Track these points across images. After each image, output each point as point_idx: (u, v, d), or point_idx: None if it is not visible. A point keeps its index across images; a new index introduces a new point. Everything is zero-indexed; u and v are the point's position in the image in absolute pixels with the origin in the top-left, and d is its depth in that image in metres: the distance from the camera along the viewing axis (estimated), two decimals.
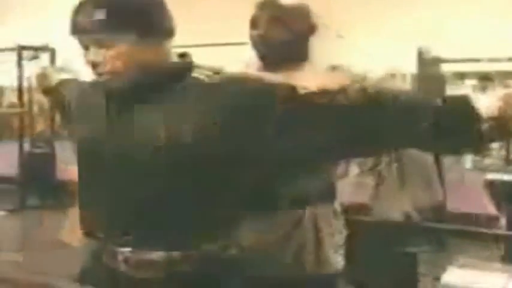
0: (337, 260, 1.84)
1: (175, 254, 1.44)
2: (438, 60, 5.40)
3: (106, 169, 1.48)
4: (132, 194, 1.44)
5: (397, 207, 3.62)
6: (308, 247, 1.79)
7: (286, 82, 1.43)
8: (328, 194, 1.86)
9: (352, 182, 3.76)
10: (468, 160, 6.05)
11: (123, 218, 1.46)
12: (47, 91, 2.12)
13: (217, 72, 1.47)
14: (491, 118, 1.34)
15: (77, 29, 1.44)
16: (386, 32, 6.27)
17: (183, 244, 1.44)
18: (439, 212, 4.75)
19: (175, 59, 1.50)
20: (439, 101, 1.34)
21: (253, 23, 1.84)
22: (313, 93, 1.39)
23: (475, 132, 1.35)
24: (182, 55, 1.52)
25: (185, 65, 1.49)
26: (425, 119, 1.32)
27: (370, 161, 3.72)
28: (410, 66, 5.47)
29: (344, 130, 1.36)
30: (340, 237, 1.88)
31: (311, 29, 1.86)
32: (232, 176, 1.44)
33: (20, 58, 6.70)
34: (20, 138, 6.84)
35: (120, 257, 1.47)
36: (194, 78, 1.46)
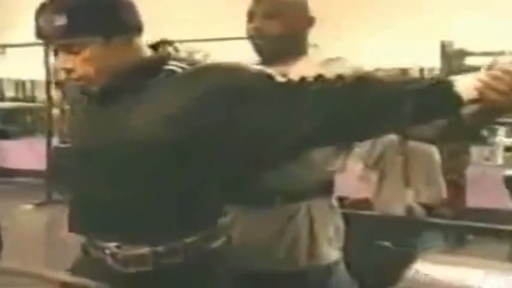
0: (331, 253, 1.84)
1: (160, 248, 1.45)
2: (462, 53, 5.31)
3: (90, 168, 1.49)
4: (115, 192, 1.44)
5: (400, 201, 3.59)
6: (302, 240, 1.79)
7: (263, 69, 1.42)
8: (325, 188, 1.86)
9: (356, 177, 3.75)
10: (499, 157, 5.97)
11: (107, 215, 1.46)
12: (58, 84, 2.16)
13: (193, 62, 1.46)
14: (472, 101, 1.32)
15: (40, 35, 1.42)
16: (406, 26, 6.21)
17: (166, 238, 1.45)
18: (456, 208, 4.71)
19: (148, 52, 1.48)
20: (418, 85, 1.32)
21: (250, 17, 1.84)
22: (292, 80, 1.38)
23: (457, 116, 1.35)
24: (157, 45, 1.50)
25: (157, 59, 1.47)
26: (405, 102, 1.30)
27: (374, 156, 3.69)
28: (433, 61, 5.41)
29: (323, 113, 1.35)
30: (335, 230, 1.87)
31: (308, 22, 1.85)
32: (215, 168, 1.43)
33: (46, 53, 6.79)
34: (48, 133, 6.95)
35: (107, 252, 1.48)
36: (169, 71, 1.44)
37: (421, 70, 6.26)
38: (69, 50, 1.41)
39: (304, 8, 1.85)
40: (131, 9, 1.45)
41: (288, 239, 1.79)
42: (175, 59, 1.47)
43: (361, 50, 5.88)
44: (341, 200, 5.16)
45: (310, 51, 1.89)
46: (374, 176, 3.69)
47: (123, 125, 1.43)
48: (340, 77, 1.37)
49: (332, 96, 1.36)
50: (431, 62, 5.62)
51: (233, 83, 1.39)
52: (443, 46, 5.20)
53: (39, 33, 1.42)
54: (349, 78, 1.36)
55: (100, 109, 1.47)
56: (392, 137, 3.21)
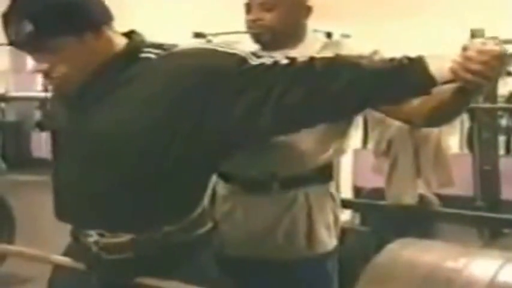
0: (329, 241, 1.84)
1: (140, 236, 1.45)
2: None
3: (69, 158, 1.49)
4: (94, 182, 1.44)
5: (412, 191, 3.57)
6: (300, 228, 1.80)
7: (236, 52, 1.39)
8: (323, 175, 1.85)
9: (365, 167, 3.74)
10: None
11: (88, 204, 1.47)
12: None
13: (168, 47, 1.43)
14: (446, 81, 1.33)
15: (12, 43, 1.40)
16: (438, 13, 6.17)
17: (146, 227, 1.46)
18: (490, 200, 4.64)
19: (123, 41, 1.45)
20: (392, 65, 1.33)
21: (248, 9, 1.85)
22: (264, 64, 1.36)
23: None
24: (130, 33, 1.48)
25: (132, 49, 1.44)
26: (377, 82, 1.32)
27: (383, 143, 3.68)
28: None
29: (293, 95, 1.34)
30: (334, 218, 1.87)
31: (305, 11, 1.86)
32: (192, 156, 1.41)
33: None
34: None
35: (90, 240, 1.49)
36: (145, 58, 1.42)
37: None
38: (43, 53, 1.39)
39: None
40: (96, 2, 1.43)
41: (286, 227, 1.80)
42: (150, 46, 1.44)
43: (390, 39, 5.87)
44: (358, 190, 5.15)
45: (311, 36, 1.90)
46: (386, 166, 3.66)
47: (101, 117, 1.42)
48: (312, 59, 1.36)
49: (303, 77, 1.35)
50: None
51: (204, 68, 1.37)
52: (474, 34, 5.16)
53: (10, 41, 1.40)
54: (322, 60, 1.36)
55: (80, 101, 1.46)
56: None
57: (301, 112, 1.38)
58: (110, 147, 1.42)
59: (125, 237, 1.46)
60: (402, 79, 1.33)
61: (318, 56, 1.38)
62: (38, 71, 1.42)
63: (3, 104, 8.49)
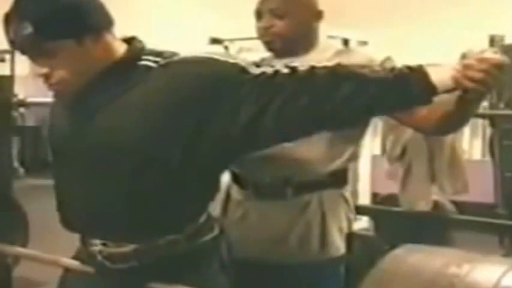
0: (342, 245, 1.84)
1: (142, 246, 1.46)
2: None
3: (70, 168, 1.48)
4: (95, 192, 1.44)
5: (426, 197, 3.54)
6: (314, 232, 1.80)
7: (237, 61, 1.39)
8: (337, 179, 1.85)
9: (381, 172, 3.72)
10: None
11: (90, 215, 1.47)
12: None
13: (167, 56, 1.42)
14: (447, 90, 1.33)
15: (12, 46, 1.40)
16: (455, 20, 6.14)
17: (149, 236, 1.46)
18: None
19: (122, 47, 1.45)
20: (393, 75, 1.33)
21: (258, 16, 1.85)
22: (265, 73, 1.36)
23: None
24: (130, 39, 1.47)
25: (131, 56, 1.43)
26: (379, 91, 1.32)
27: (397, 148, 3.65)
28: None
29: (293, 105, 1.33)
30: (347, 222, 1.86)
31: (316, 17, 1.86)
32: (193, 165, 1.40)
33: None
34: None
35: (95, 248, 1.50)
36: (143, 66, 1.41)
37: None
38: (43, 56, 1.38)
39: (311, 3, 1.86)
40: (97, 7, 1.42)
41: (300, 231, 1.80)
42: (149, 53, 1.44)
43: (407, 44, 5.85)
44: (376, 196, 5.09)
45: (324, 42, 1.90)
46: (401, 172, 3.64)
47: (101, 127, 1.41)
48: (313, 68, 1.36)
49: (304, 87, 1.34)
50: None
51: (205, 77, 1.37)
52: (493, 40, 5.12)
53: (11, 43, 1.40)
54: (323, 69, 1.36)
55: (79, 109, 1.45)
56: None
57: (303, 121, 1.37)
58: (110, 157, 1.41)
59: (128, 247, 1.47)
60: (403, 88, 1.33)
61: (318, 65, 1.38)
62: (38, 75, 1.41)
63: (22, 109, 8.58)
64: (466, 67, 1.30)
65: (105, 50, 1.41)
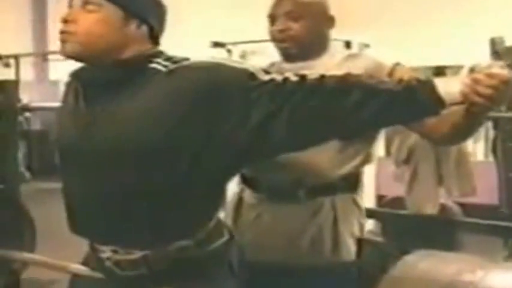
0: (354, 249, 1.84)
1: (152, 253, 1.45)
2: None
3: (80, 174, 1.47)
4: (104, 198, 1.43)
5: (433, 200, 3.54)
6: (325, 236, 1.80)
7: (246, 67, 1.39)
8: (349, 183, 1.85)
9: (388, 175, 3.70)
10: None
11: (99, 221, 1.47)
12: None
13: (177, 60, 1.43)
14: (455, 103, 1.34)
15: None
16: (457, 20, 6.14)
17: (159, 242, 1.45)
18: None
19: (147, 47, 1.46)
20: (401, 87, 1.33)
21: (272, 20, 1.86)
22: (274, 79, 1.37)
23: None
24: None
25: (145, 56, 1.44)
26: (386, 103, 1.33)
27: (404, 151, 3.65)
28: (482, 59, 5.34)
29: (301, 114, 1.34)
30: (359, 227, 1.87)
31: (328, 22, 1.88)
32: (206, 170, 1.40)
33: None
34: None
35: (104, 255, 1.50)
36: (152, 69, 1.42)
37: (472, 70, 6.17)
38: (85, 5, 1.40)
39: (324, 8, 1.88)
40: (164, 13, 1.48)
41: (312, 234, 1.80)
42: (159, 57, 1.44)
43: (407, 47, 5.85)
44: (381, 199, 5.06)
45: (333, 47, 1.91)
46: (407, 175, 3.64)
47: (109, 132, 1.41)
48: (323, 77, 1.37)
49: (314, 95, 1.35)
50: (481, 60, 5.54)
51: (215, 82, 1.37)
52: (493, 43, 5.12)
53: None
54: (332, 78, 1.36)
55: (86, 112, 1.45)
56: None
57: (311, 130, 1.38)
58: (118, 161, 1.40)
59: (137, 254, 1.46)
60: (411, 100, 1.34)
61: (328, 73, 1.38)
62: (64, 19, 1.41)
63: (28, 114, 8.61)
64: (475, 82, 1.31)
65: (133, 40, 1.43)
